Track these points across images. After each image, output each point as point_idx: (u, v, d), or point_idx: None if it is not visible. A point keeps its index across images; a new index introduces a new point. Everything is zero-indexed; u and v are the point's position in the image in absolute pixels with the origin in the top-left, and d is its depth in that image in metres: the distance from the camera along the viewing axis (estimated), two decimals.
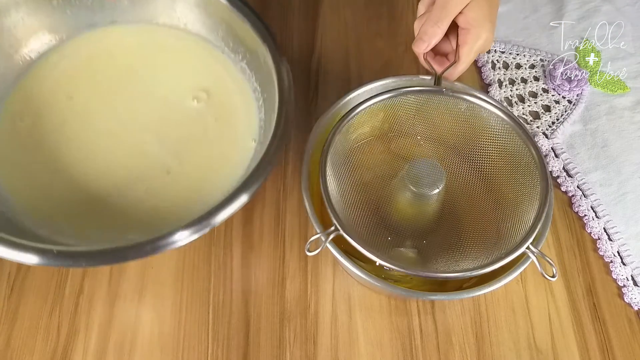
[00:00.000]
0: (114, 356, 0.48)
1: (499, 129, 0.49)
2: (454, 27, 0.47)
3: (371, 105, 0.49)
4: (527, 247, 0.43)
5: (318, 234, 0.43)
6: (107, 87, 0.56)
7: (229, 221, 0.54)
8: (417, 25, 0.49)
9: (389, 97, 0.49)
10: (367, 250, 0.42)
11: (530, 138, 0.48)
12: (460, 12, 0.46)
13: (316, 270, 0.52)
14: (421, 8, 0.49)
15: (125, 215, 0.49)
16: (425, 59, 0.49)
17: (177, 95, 0.55)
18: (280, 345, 0.49)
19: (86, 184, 0.51)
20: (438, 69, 0.49)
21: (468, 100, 0.49)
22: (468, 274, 0.43)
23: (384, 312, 0.51)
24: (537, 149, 0.47)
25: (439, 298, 0.47)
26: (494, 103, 0.49)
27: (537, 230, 0.44)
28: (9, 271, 0.51)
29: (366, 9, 0.70)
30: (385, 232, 0.50)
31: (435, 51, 0.50)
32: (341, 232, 0.43)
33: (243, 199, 0.44)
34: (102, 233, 0.48)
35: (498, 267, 0.43)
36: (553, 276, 0.42)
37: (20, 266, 0.51)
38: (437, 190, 0.47)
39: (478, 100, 0.49)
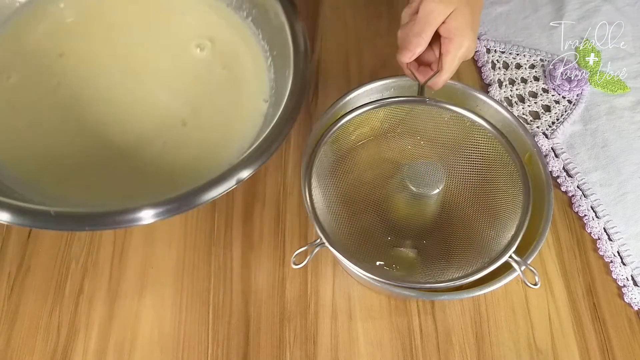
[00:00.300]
0: (114, 356, 0.48)
1: (481, 138, 0.49)
2: (436, 37, 0.48)
3: (355, 116, 0.49)
4: (510, 256, 0.43)
5: (302, 247, 0.43)
6: (102, 40, 0.52)
7: (228, 221, 0.54)
8: (400, 35, 0.49)
9: (373, 108, 0.49)
10: (353, 262, 0.42)
11: (513, 149, 0.47)
12: (442, 22, 0.46)
13: (316, 270, 0.53)
14: (404, 17, 0.49)
15: (139, 177, 0.46)
16: (409, 69, 0.49)
17: (178, 45, 0.52)
18: (280, 345, 0.49)
19: (93, 145, 0.47)
20: (421, 79, 0.49)
21: (451, 110, 0.49)
22: (451, 283, 0.43)
23: (384, 312, 0.51)
24: (520, 159, 0.47)
25: (439, 298, 0.47)
26: (476, 112, 0.49)
27: (519, 239, 0.44)
28: (9, 271, 0.51)
29: (366, 9, 0.70)
30: (382, 232, 0.50)
31: (419, 61, 0.50)
32: (327, 244, 0.43)
33: (264, 157, 0.42)
34: (109, 199, 0.45)
35: (481, 275, 0.43)
36: (535, 284, 0.42)
37: (20, 266, 0.51)
38: (436, 191, 0.47)
39: (461, 110, 0.49)
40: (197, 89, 0.50)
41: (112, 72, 0.51)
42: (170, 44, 0.53)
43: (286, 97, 0.45)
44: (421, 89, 0.49)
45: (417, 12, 0.47)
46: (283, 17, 0.49)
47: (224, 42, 0.53)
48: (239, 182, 0.41)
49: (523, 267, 0.43)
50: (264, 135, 0.44)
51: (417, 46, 0.47)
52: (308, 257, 0.42)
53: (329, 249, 0.43)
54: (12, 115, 0.48)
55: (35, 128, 0.48)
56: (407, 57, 0.48)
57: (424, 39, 0.47)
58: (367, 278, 0.44)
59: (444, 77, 0.48)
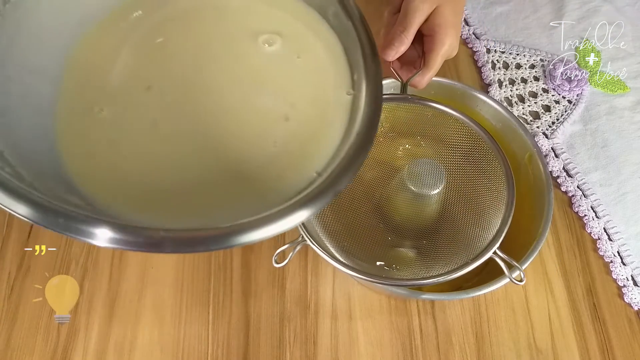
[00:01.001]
0: (114, 356, 0.48)
1: (465, 135, 0.49)
2: (419, 36, 0.48)
3: None
4: (494, 252, 0.43)
5: (285, 244, 0.43)
6: (180, 63, 0.49)
7: None
8: (384, 34, 0.49)
9: None
10: (335, 261, 0.42)
11: (500, 149, 0.47)
12: (425, 20, 0.47)
13: (316, 270, 0.53)
14: (387, 16, 0.50)
15: (252, 188, 0.43)
16: (392, 68, 0.49)
17: (247, 46, 0.50)
18: (280, 345, 0.49)
19: (208, 170, 0.44)
20: (404, 77, 0.50)
21: (434, 107, 0.49)
22: (433, 280, 0.43)
23: (384, 312, 0.51)
24: (505, 159, 0.47)
25: (439, 298, 0.47)
26: (458, 110, 0.49)
27: (503, 235, 0.43)
28: (9, 271, 0.51)
29: (366, 9, 0.69)
30: (381, 232, 0.50)
31: (402, 60, 0.50)
32: (308, 242, 0.43)
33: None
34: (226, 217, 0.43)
35: (466, 272, 0.42)
36: (521, 280, 0.42)
37: (20, 266, 0.51)
38: (437, 191, 0.47)
39: (442, 107, 0.49)
40: (284, 81, 0.48)
41: (202, 93, 0.48)
42: (238, 47, 0.50)
43: (364, 98, 0.44)
44: (404, 87, 0.49)
45: (399, 10, 0.47)
46: (344, 17, 0.48)
47: (291, 33, 0.50)
48: (336, 194, 0.40)
49: (517, 272, 0.43)
50: (349, 142, 0.41)
51: (401, 44, 0.47)
52: (290, 255, 0.42)
53: (311, 246, 0.43)
54: (114, 153, 0.44)
55: (142, 166, 0.44)
56: (391, 55, 0.48)
57: (407, 37, 0.47)
58: (350, 273, 0.43)
59: (428, 75, 0.48)
